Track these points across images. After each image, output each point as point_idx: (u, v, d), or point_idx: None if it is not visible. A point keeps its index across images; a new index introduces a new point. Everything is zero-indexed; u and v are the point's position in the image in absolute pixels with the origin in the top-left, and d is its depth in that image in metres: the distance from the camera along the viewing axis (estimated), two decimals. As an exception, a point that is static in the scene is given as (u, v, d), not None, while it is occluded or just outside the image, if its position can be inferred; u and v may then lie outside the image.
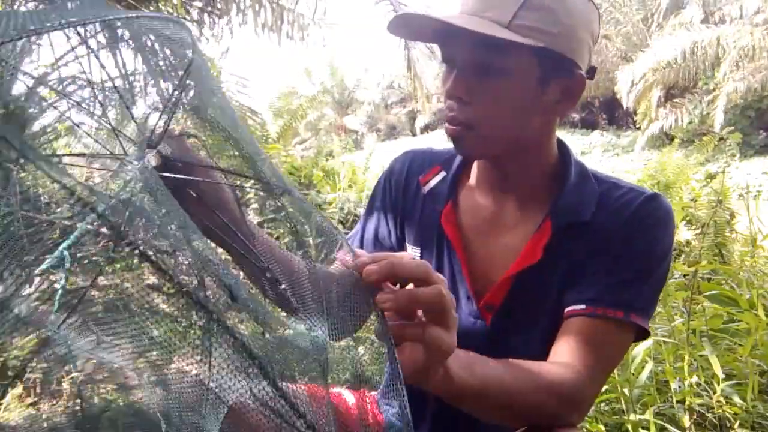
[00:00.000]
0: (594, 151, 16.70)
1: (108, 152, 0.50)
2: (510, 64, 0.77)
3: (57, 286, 0.35)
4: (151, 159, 0.53)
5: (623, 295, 0.81)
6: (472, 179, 0.96)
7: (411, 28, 0.84)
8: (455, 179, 0.97)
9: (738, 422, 1.62)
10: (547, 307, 0.86)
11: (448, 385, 0.62)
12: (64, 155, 0.50)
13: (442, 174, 0.98)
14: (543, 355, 0.85)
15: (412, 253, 0.99)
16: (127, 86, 0.51)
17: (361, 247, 1.06)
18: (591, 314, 0.81)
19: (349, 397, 1.12)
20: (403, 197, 1.01)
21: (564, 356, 0.79)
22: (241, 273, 0.67)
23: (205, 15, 4.84)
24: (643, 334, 0.84)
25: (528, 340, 0.88)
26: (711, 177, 4.82)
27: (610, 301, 0.81)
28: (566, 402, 0.76)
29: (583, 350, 0.79)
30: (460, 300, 0.92)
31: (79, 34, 0.46)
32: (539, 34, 0.75)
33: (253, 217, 4.28)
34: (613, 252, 0.84)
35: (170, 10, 4.60)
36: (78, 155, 0.51)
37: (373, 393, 1.09)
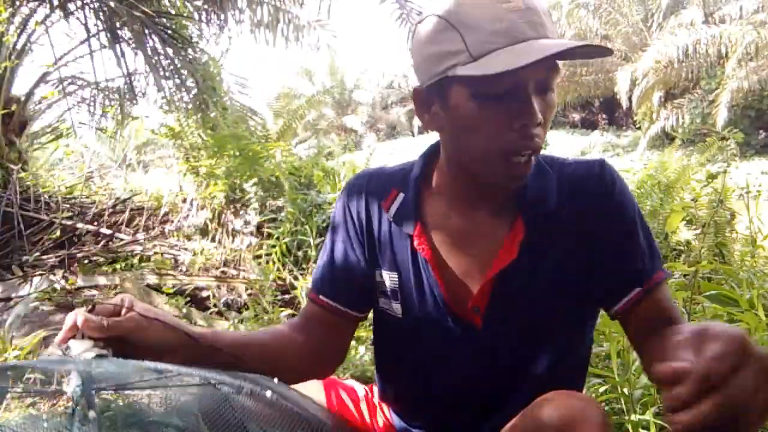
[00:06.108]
0: (594, 151, 16.68)
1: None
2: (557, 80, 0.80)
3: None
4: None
5: (645, 261, 0.85)
6: (438, 193, 0.94)
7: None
8: (417, 198, 0.94)
9: (738, 422, 1.62)
10: (537, 300, 0.87)
11: None
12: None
13: (401, 196, 0.95)
14: (544, 353, 0.85)
15: (387, 279, 0.96)
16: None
17: (332, 275, 1.00)
18: (646, 292, 0.84)
19: (359, 389, 1.13)
20: (368, 224, 0.98)
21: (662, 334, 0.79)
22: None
23: (205, 12, 4.82)
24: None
25: (523, 338, 0.88)
26: (712, 177, 4.81)
27: (645, 273, 0.84)
28: None
29: (666, 321, 0.82)
30: (444, 314, 0.91)
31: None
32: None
33: (253, 218, 4.27)
34: (610, 231, 0.86)
35: (171, 9, 4.60)
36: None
37: None
